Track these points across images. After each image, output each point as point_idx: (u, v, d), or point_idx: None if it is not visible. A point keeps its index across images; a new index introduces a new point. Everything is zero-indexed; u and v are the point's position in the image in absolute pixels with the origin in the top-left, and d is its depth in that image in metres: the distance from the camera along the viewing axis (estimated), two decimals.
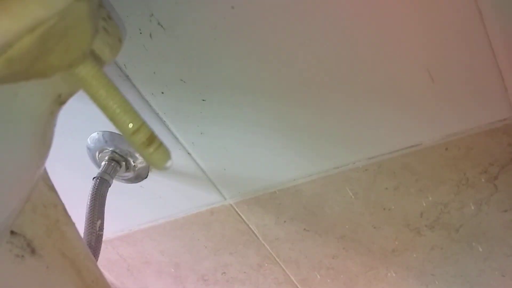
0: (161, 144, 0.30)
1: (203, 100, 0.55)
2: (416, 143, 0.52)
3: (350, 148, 0.55)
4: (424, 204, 0.57)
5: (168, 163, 0.30)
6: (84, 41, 0.25)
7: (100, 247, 0.58)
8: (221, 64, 0.51)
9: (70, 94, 0.36)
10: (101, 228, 0.58)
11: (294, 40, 0.46)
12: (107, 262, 0.87)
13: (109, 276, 0.91)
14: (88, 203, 0.59)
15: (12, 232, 0.34)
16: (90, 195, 0.60)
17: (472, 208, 0.55)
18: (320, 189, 0.60)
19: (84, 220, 0.58)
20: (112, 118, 0.29)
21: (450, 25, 0.42)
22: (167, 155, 0.29)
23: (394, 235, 0.62)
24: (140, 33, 0.51)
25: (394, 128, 0.51)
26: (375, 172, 0.56)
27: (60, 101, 0.35)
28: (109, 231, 0.81)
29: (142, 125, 0.30)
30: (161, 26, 0.49)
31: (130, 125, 0.29)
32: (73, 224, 0.42)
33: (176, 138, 0.60)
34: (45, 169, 0.41)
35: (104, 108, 0.28)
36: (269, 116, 0.55)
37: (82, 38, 0.25)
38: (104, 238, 0.84)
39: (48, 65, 0.25)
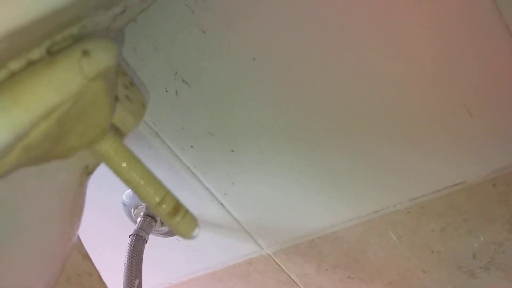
0: (187, 212, 0.29)
1: (232, 150, 0.54)
2: (461, 181, 0.48)
3: (390, 190, 0.52)
4: (476, 245, 0.53)
5: (195, 231, 0.29)
6: (102, 118, 0.25)
7: None
8: (247, 113, 0.51)
9: (97, 164, 0.36)
10: (140, 286, 0.58)
11: (322, 84, 0.45)
12: None
13: None
14: (126, 261, 0.59)
15: None
16: (127, 253, 0.60)
17: None
18: (362, 234, 0.57)
19: (122, 280, 0.57)
20: (136, 191, 0.28)
21: (483, 57, 0.40)
22: (194, 223, 0.28)
23: (446, 279, 0.58)
24: (166, 91, 0.51)
25: (436, 167, 0.48)
26: (418, 213, 0.53)
27: (88, 172, 0.35)
28: (148, 285, 0.80)
29: (167, 194, 0.29)
30: (186, 82, 0.50)
31: (155, 197, 0.28)
32: None
33: (208, 190, 0.60)
34: (78, 237, 0.41)
35: (127, 181, 0.28)
36: (301, 161, 0.53)
37: (100, 116, 0.25)
38: None
39: (67, 146, 0.24)
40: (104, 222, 0.70)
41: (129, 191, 0.64)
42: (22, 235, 0.30)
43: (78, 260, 0.39)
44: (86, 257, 0.40)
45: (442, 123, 0.45)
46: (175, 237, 0.69)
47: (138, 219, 0.64)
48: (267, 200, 0.58)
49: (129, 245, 0.61)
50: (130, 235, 0.62)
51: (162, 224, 0.66)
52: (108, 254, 0.63)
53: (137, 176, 0.28)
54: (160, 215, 0.28)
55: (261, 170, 0.56)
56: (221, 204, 0.61)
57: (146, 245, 0.71)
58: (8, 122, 0.19)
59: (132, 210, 0.65)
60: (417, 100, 0.44)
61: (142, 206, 0.65)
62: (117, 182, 0.67)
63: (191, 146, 0.56)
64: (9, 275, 0.29)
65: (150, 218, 0.64)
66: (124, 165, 0.27)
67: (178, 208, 0.28)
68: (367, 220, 0.55)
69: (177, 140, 0.56)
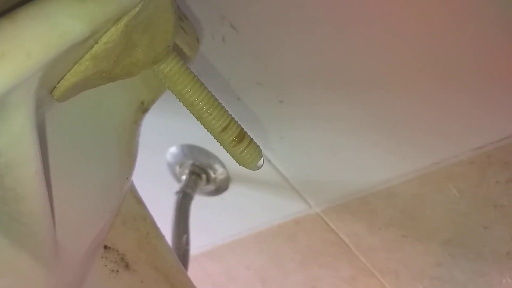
0: (251, 141, 0.27)
1: (281, 102, 0.52)
2: None
3: (451, 139, 0.48)
4: None
5: (260, 162, 0.27)
6: (168, 32, 0.23)
7: (188, 262, 0.56)
8: (298, 61, 0.48)
9: (153, 101, 0.34)
10: (187, 242, 0.57)
11: (381, 26, 0.42)
12: (192, 279, 0.86)
13: None
14: (173, 218, 0.58)
15: (105, 247, 0.32)
16: (174, 209, 0.59)
17: None
18: (419, 189, 0.54)
19: (170, 236, 0.57)
20: (199, 116, 0.26)
21: None
22: (258, 153, 0.27)
23: (508, 236, 0.54)
24: (213, 39, 0.49)
25: (505, 110, 0.44)
26: (483, 164, 0.49)
27: (143, 109, 0.34)
28: (192, 247, 0.80)
29: (231, 121, 0.27)
30: (234, 28, 0.47)
31: (219, 123, 0.26)
32: (163, 237, 0.40)
33: None
34: (132, 181, 0.40)
35: (190, 105, 0.26)
36: (354, 112, 0.50)
37: (166, 29, 0.23)
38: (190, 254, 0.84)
39: (133, 61, 0.23)
40: (149, 183, 0.69)
41: (172, 148, 0.63)
42: (84, 168, 0.29)
43: (133, 204, 0.39)
44: (140, 201, 0.39)
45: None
46: (220, 196, 0.68)
47: (183, 177, 0.64)
48: (317, 156, 0.56)
49: (176, 201, 0.60)
50: (176, 192, 0.61)
51: (208, 182, 0.65)
52: (154, 215, 0.63)
53: (201, 101, 0.26)
54: (223, 143, 0.27)
55: (312, 123, 0.53)
56: (269, 160, 0.59)
57: (191, 206, 0.71)
58: (84, 13, 0.17)
59: (177, 168, 0.65)
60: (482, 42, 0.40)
61: (187, 164, 0.64)
62: (160, 142, 0.67)
63: (238, 99, 0.54)
64: (72, 209, 0.28)
65: (195, 175, 0.63)
66: (187, 88, 0.25)
67: (242, 136, 0.27)
68: (425, 173, 0.52)
69: (223, 92, 0.54)
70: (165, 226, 0.60)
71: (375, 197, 0.57)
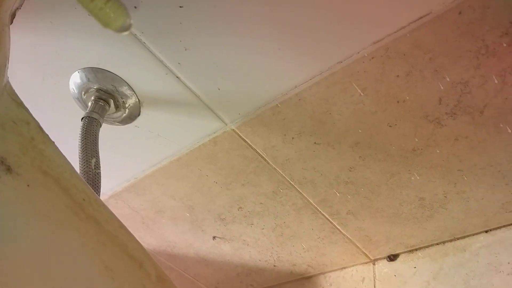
0: None
1: (181, 6, 0.49)
2: (426, 13, 0.46)
3: (352, 36, 0.49)
4: (442, 87, 0.52)
5: (125, 20, 0.24)
6: None
7: (100, 186, 0.54)
8: None
9: None
10: (97, 166, 0.54)
11: None
12: (121, 217, 0.84)
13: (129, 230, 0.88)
14: (80, 143, 0.55)
15: None
16: (80, 135, 0.56)
17: (496, 81, 0.50)
18: (325, 92, 0.55)
19: (78, 160, 0.54)
20: None
21: None
22: (122, 10, 0.24)
23: (412, 131, 0.57)
24: None
25: (399, 0, 0.45)
26: (383, 58, 0.50)
27: None
28: (115, 184, 0.78)
29: None
30: None
31: None
32: (52, 142, 0.37)
33: (161, 61, 0.55)
34: (11, 86, 0.37)
35: None
36: (258, 16, 0.49)
37: None
38: (111, 192, 0.81)
39: None
40: (54, 111, 0.65)
41: (75, 74, 0.59)
42: None
43: (12, 108, 0.35)
44: (21, 105, 0.36)
45: None
46: (134, 124, 0.65)
47: (89, 103, 0.60)
48: (225, 66, 0.55)
49: (81, 127, 0.57)
50: (82, 118, 0.58)
51: (117, 107, 0.61)
52: (62, 143, 0.59)
53: None
54: (80, 0, 0.24)
55: (216, 30, 0.51)
56: (177, 77, 0.57)
57: (105, 141, 0.68)
58: None
59: (82, 94, 0.61)
60: None
61: (92, 89, 0.60)
62: (62, 65, 0.61)
63: (135, 7, 0.50)
64: None
65: (102, 101, 0.60)
66: None
67: None
68: (330, 74, 0.53)
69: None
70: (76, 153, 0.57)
71: (285, 105, 0.57)
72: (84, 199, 0.37)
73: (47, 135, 0.37)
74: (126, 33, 0.26)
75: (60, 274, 0.35)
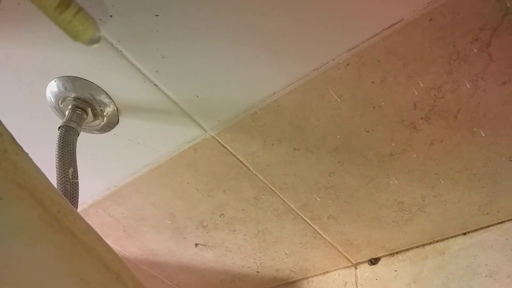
0: (80, 9, 0.25)
1: (156, 15, 0.49)
2: (397, 20, 0.47)
3: (327, 43, 0.49)
4: (416, 93, 0.52)
5: (94, 33, 0.24)
6: None
7: (78, 196, 0.53)
8: None
9: None
10: (75, 176, 0.54)
11: None
12: (102, 226, 0.83)
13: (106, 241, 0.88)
14: (57, 152, 0.55)
15: None
16: (57, 144, 0.55)
17: (468, 86, 0.51)
18: (303, 98, 0.55)
19: (55, 170, 0.53)
20: None
21: None
22: (91, 22, 0.24)
23: (389, 136, 0.58)
24: None
25: (371, 8, 0.46)
26: (358, 64, 0.51)
27: None
28: (94, 193, 0.77)
29: None
30: None
31: None
32: (26, 154, 0.37)
33: (138, 69, 0.55)
34: None
35: None
36: (235, 23, 0.49)
37: None
38: (91, 201, 0.80)
39: None
40: (30, 120, 0.64)
41: (51, 83, 0.58)
42: None
43: None
44: None
45: None
46: (112, 132, 0.64)
47: (67, 112, 0.59)
48: (203, 73, 0.55)
49: (58, 136, 0.56)
50: (59, 127, 0.57)
51: (95, 116, 0.61)
52: (39, 153, 0.58)
53: None
54: (48, 13, 0.24)
55: (193, 37, 0.51)
56: (155, 84, 0.57)
57: (84, 150, 0.67)
58: None
59: (59, 103, 0.60)
60: None
61: (69, 98, 0.59)
62: (39, 74, 0.61)
63: (111, 16, 0.50)
64: None
65: (80, 110, 0.59)
66: None
67: (68, 3, 0.24)
68: (307, 80, 0.53)
69: (93, 9, 0.50)
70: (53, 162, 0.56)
71: (264, 111, 0.58)
72: (59, 211, 0.36)
73: (21, 146, 0.37)
74: (96, 45, 0.26)
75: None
